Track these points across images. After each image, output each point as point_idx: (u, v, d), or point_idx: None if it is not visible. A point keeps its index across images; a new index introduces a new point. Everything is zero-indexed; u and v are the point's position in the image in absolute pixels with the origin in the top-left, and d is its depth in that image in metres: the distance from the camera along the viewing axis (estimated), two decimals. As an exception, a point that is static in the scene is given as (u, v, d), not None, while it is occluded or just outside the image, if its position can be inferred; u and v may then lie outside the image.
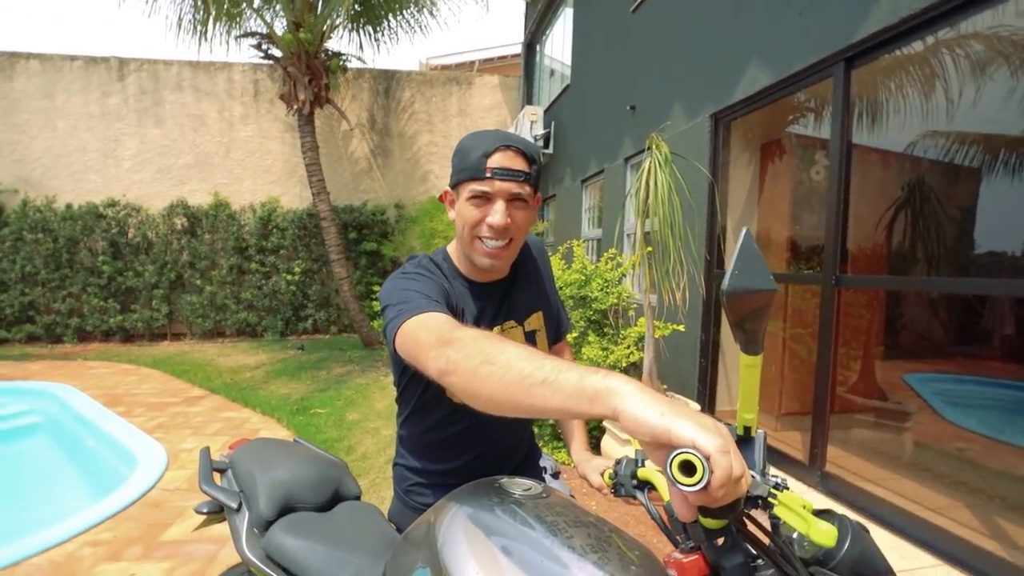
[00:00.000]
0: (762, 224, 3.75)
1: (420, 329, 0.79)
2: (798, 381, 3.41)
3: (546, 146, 7.65)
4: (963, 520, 2.22)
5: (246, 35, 6.82)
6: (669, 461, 0.46)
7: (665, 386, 3.45)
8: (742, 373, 0.58)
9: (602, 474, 1.06)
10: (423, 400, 1.02)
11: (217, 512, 1.28)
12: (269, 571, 1.05)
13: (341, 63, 7.15)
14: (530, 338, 1.11)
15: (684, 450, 0.45)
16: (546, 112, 7.89)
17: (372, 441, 3.87)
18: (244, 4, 6.53)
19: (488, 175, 0.91)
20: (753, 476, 0.57)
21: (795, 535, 0.72)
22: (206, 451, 1.34)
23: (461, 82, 9.29)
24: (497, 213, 0.92)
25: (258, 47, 6.79)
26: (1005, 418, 2.54)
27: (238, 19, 6.60)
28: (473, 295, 1.02)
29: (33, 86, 8.02)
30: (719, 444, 0.45)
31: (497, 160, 0.91)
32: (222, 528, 2.46)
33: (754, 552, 0.66)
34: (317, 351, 7.33)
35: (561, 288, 3.47)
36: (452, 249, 1.06)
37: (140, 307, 8.09)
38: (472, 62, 12.35)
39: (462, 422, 1.02)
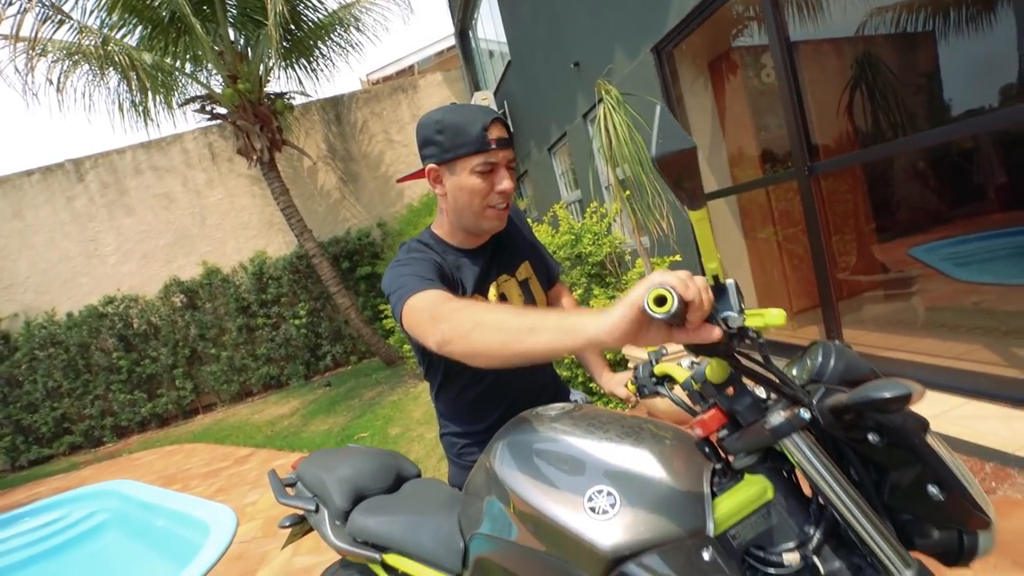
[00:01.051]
0: (730, 140, 3.81)
1: (415, 310, 0.89)
2: (802, 278, 3.50)
3: (505, 126, 7.69)
4: (984, 359, 2.32)
5: (187, 101, 6.87)
6: (645, 299, 0.55)
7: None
8: (695, 228, 0.67)
9: (626, 386, 1.17)
10: (447, 369, 1.13)
11: (298, 523, 1.40)
12: (360, 551, 1.16)
13: (286, 103, 7.19)
14: (524, 286, 1.20)
15: (658, 286, 0.55)
16: (496, 93, 7.92)
17: (420, 447, 4.00)
18: (176, 72, 6.56)
19: (494, 146, 1.00)
20: (730, 316, 0.66)
21: (794, 371, 0.82)
22: (274, 472, 1.46)
23: (406, 88, 9.30)
24: (505, 180, 1.04)
25: (202, 110, 6.84)
26: (1018, 263, 2.59)
27: (175, 88, 6.64)
28: (466, 261, 1.12)
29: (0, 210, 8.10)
30: (679, 277, 0.56)
31: (496, 132, 1.01)
32: (307, 559, 2.61)
33: (760, 395, 0.76)
34: (344, 383, 7.47)
35: (555, 252, 3.56)
36: (437, 226, 1.15)
37: (165, 390, 8.25)
38: (411, 66, 12.32)
39: (486, 380, 1.13)
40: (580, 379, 3.29)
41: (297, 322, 8.32)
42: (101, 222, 8.33)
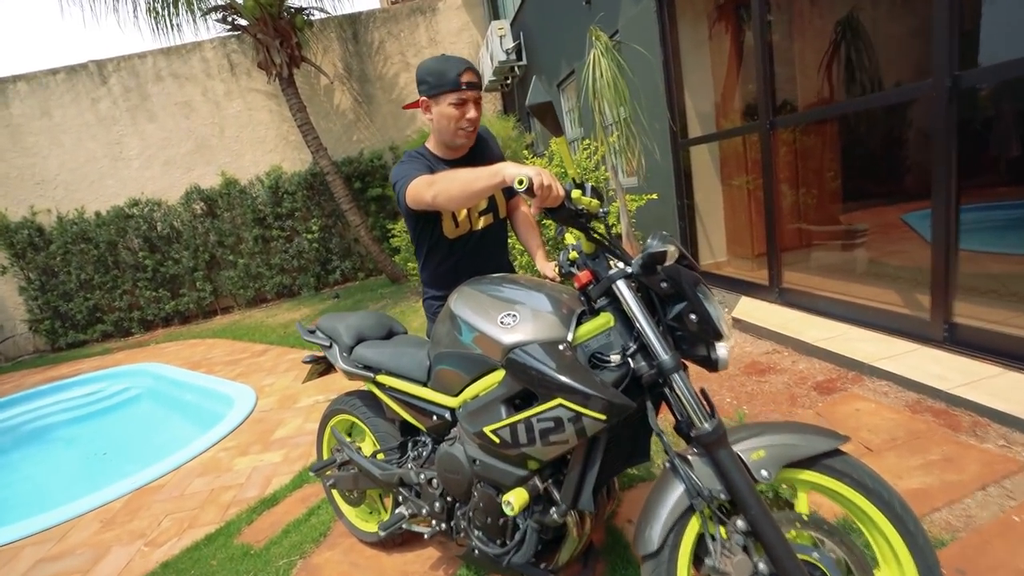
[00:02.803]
0: (723, 90, 4.06)
1: (416, 184, 1.39)
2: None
3: (519, 58, 7.75)
4: (873, 296, 2.75)
5: (210, 11, 6.97)
6: (514, 181, 1.00)
7: (651, 251, 3.97)
8: (557, 150, 1.11)
9: (554, 268, 1.64)
10: (430, 243, 1.61)
11: (316, 361, 1.93)
12: (360, 372, 1.68)
13: (305, 18, 7.26)
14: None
15: (518, 174, 1.00)
16: (512, 24, 7.89)
17: (416, 348, 4.57)
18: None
19: (464, 87, 1.49)
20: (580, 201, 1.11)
21: (650, 243, 1.27)
22: (300, 323, 1.98)
23: (425, 10, 9.21)
24: (471, 111, 1.54)
25: (223, 20, 6.96)
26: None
27: (199, -4, 6.74)
28: (446, 168, 1.57)
29: (28, 108, 8.41)
30: (535, 171, 1.03)
31: (466, 77, 1.50)
32: (316, 417, 3.20)
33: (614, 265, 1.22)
34: (351, 296, 8.06)
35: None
36: (430, 143, 1.64)
37: (187, 291, 8.91)
38: (431, -15, 11.96)
39: (456, 251, 1.63)
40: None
41: (310, 236, 8.80)
42: (125, 126, 8.64)
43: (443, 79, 1.49)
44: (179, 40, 7.27)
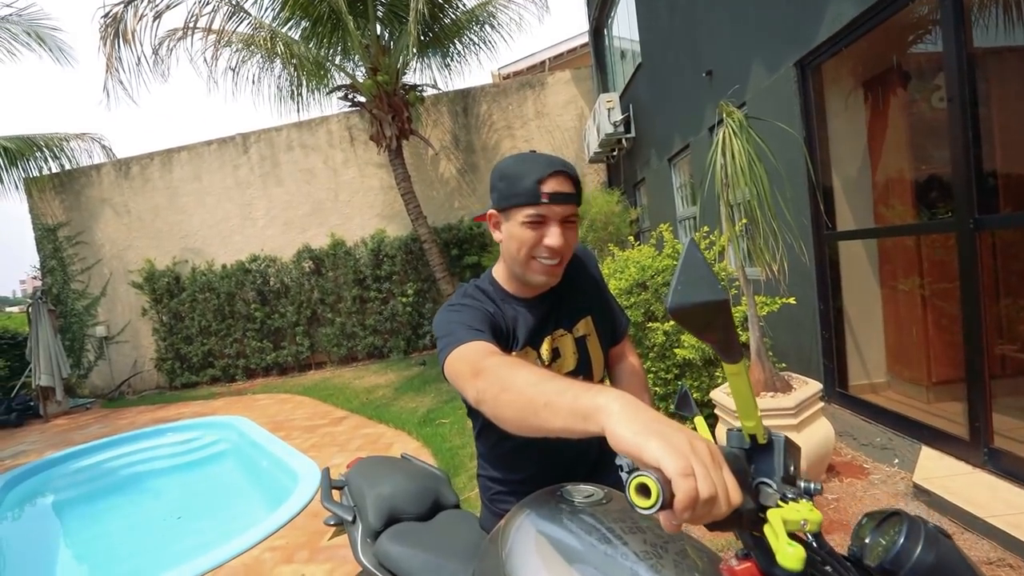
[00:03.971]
0: (879, 172, 3.30)
1: (458, 361, 0.88)
2: (950, 343, 2.94)
3: (627, 130, 7.43)
4: None
5: (334, 89, 7.56)
6: (627, 483, 0.47)
7: (784, 365, 3.18)
8: (731, 382, 0.56)
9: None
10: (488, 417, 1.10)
11: (340, 524, 1.48)
12: (379, 575, 1.19)
13: (418, 94, 7.61)
14: (581, 343, 1.13)
15: (640, 472, 0.46)
16: (622, 96, 7.66)
17: (490, 447, 4.05)
18: (328, 63, 7.24)
19: (545, 200, 0.97)
20: (769, 484, 0.55)
21: (867, 539, 0.66)
22: (326, 471, 1.55)
23: (534, 84, 9.37)
24: (554, 235, 0.99)
25: (345, 97, 7.50)
26: None
27: (325, 78, 7.34)
28: (522, 311, 1.08)
29: (185, 172, 9.64)
30: (681, 467, 0.46)
31: (551, 186, 0.97)
32: None
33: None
34: (437, 365, 7.83)
35: (652, 277, 3.37)
36: (497, 271, 1.13)
37: (288, 343, 9.31)
38: (543, 62, 12.37)
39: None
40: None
41: (404, 300, 8.87)
42: (256, 189, 9.56)
43: (516, 187, 0.98)
44: (307, 115, 7.95)
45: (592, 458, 1.18)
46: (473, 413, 1.15)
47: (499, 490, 1.19)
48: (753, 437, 0.57)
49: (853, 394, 3.18)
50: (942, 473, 2.32)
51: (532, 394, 0.66)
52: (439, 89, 8.25)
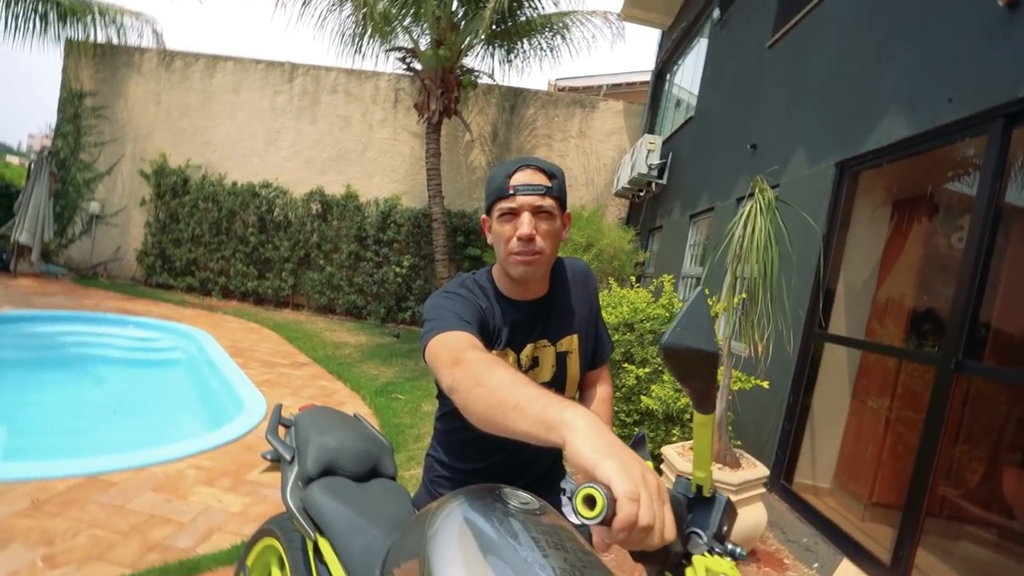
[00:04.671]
0: (882, 289, 3.37)
1: (441, 347, 0.89)
2: (899, 470, 3.00)
3: (660, 176, 7.51)
4: None
5: (394, 49, 7.58)
6: (576, 491, 0.49)
7: (739, 442, 3.23)
8: (695, 431, 0.59)
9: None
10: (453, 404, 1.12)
11: (277, 461, 1.48)
12: (302, 520, 1.20)
13: (473, 79, 7.64)
14: (560, 359, 1.15)
15: (590, 484, 0.48)
16: (665, 142, 7.74)
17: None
18: (396, 23, 7.26)
19: (511, 192, 1.01)
20: (700, 535, 0.57)
21: None
22: (279, 407, 1.56)
23: (585, 105, 9.44)
24: (524, 224, 1.00)
25: (403, 60, 7.51)
26: None
27: (389, 35, 7.36)
28: (511, 312, 1.10)
29: (226, 82, 9.59)
30: (629, 490, 0.48)
31: (519, 178, 1.01)
32: None
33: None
34: (410, 342, 7.82)
35: (642, 321, 3.41)
36: (495, 270, 1.15)
37: (272, 276, 9.25)
38: (600, 86, 12.47)
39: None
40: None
41: (398, 269, 8.85)
42: (289, 120, 9.52)
43: (492, 185, 1.04)
44: (360, 65, 7.95)
45: (541, 470, 1.20)
46: (443, 395, 1.17)
47: (443, 474, 1.21)
48: (699, 489, 0.60)
49: (795, 490, 3.23)
50: (856, 590, 2.36)
51: (505, 394, 0.68)
52: (494, 80, 8.29)
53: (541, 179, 1.02)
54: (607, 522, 0.48)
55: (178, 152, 9.56)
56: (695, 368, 0.53)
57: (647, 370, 3.23)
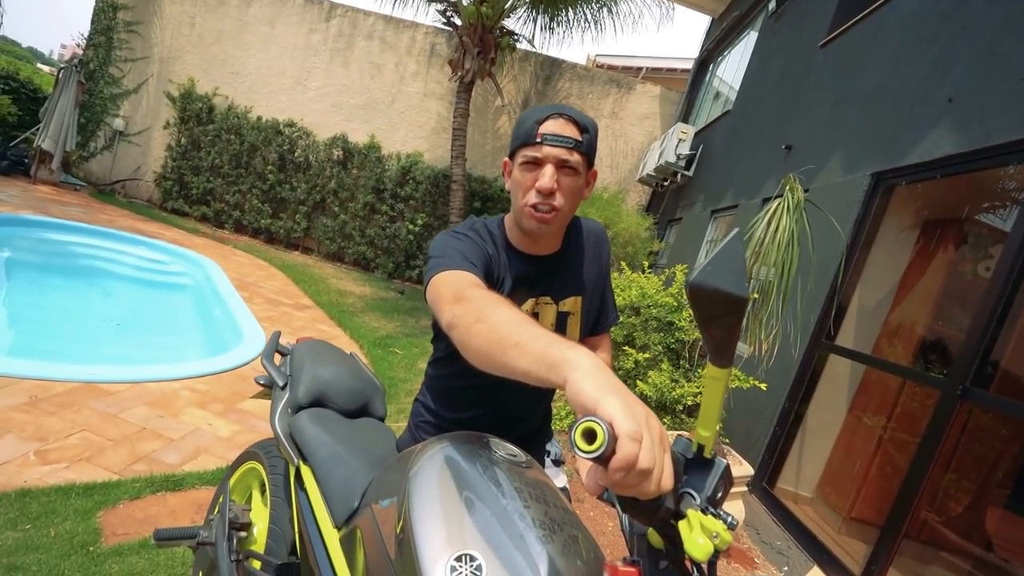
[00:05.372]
0: (898, 306, 3.30)
1: (444, 284, 0.86)
2: (883, 488, 3.00)
3: (687, 168, 7.35)
4: None
5: (436, 0, 7.37)
6: (576, 425, 0.47)
7: (727, 440, 3.23)
8: (706, 385, 0.56)
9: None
10: (450, 348, 1.09)
11: (270, 388, 1.49)
12: (288, 446, 1.21)
13: (512, 42, 7.44)
14: (561, 319, 1.12)
15: (591, 418, 0.46)
16: (698, 134, 7.55)
17: (430, 392, 4.10)
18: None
19: (538, 140, 0.94)
20: (693, 496, 0.55)
21: None
22: (277, 334, 1.56)
23: (622, 85, 9.20)
24: (545, 176, 0.94)
25: (443, 13, 7.31)
26: None
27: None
28: (517, 264, 1.06)
29: (262, 14, 9.39)
30: (632, 430, 0.45)
31: (548, 127, 0.95)
32: None
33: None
34: (414, 300, 7.85)
35: (649, 307, 3.37)
36: (507, 219, 1.11)
37: (286, 217, 9.25)
38: (639, 68, 12.13)
39: (477, 377, 1.07)
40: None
41: (411, 226, 8.81)
42: (321, 60, 9.36)
43: (520, 129, 0.97)
44: (399, 13, 7.74)
45: (528, 428, 1.19)
46: (437, 339, 1.15)
47: (428, 420, 1.20)
48: (700, 449, 0.58)
49: (776, 494, 3.24)
50: (821, 596, 2.38)
51: (506, 332, 0.65)
52: (533, 47, 8.08)
53: (572, 131, 0.96)
54: (605, 460, 0.45)
55: (206, 79, 9.45)
56: (719, 313, 0.49)
57: (647, 355, 3.21)
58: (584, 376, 0.51)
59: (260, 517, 1.41)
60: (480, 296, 0.77)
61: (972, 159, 2.58)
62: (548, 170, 0.95)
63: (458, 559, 0.68)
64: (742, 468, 2.61)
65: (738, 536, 2.93)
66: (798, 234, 2.41)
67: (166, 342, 4.73)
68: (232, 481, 1.59)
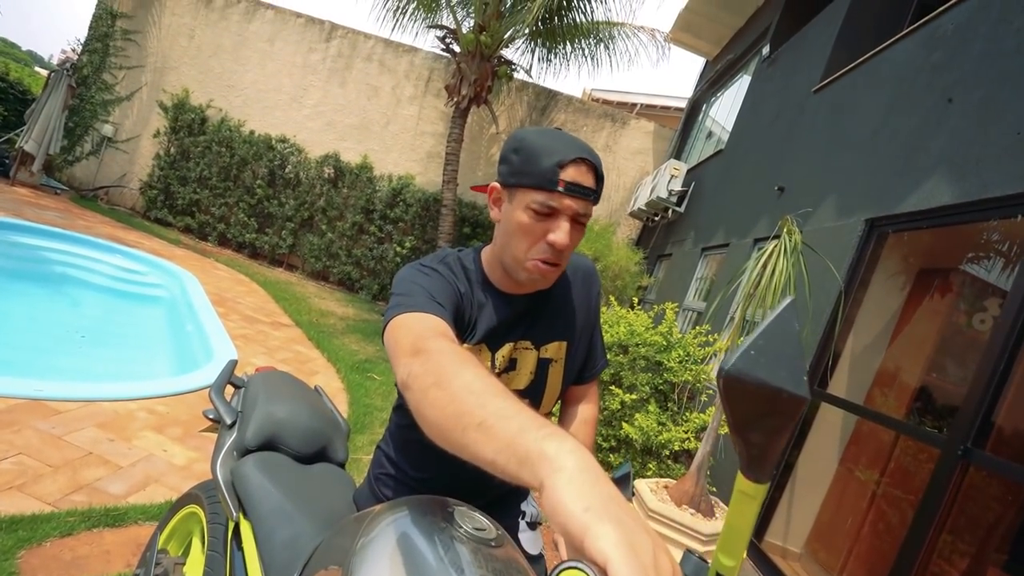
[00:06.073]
0: (891, 357, 3.23)
1: (402, 329, 0.73)
2: (877, 548, 2.86)
3: (678, 204, 7.38)
4: None
5: (435, 26, 7.45)
6: (556, 571, 0.34)
7: (715, 489, 3.08)
8: (735, 502, 0.44)
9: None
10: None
11: (218, 423, 1.33)
12: (227, 495, 1.05)
13: (509, 72, 7.51)
14: (542, 366, 0.99)
15: (575, 564, 0.33)
16: (690, 171, 7.62)
17: (406, 423, 3.91)
18: (443, 1, 7.14)
19: (560, 189, 0.82)
20: None
21: None
22: (231, 364, 1.41)
23: (616, 119, 9.32)
24: (562, 232, 0.84)
25: (442, 40, 7.38)
26: None
27: (434, 11, 7.23)
28: (494, 304, 0.94)
29: (262, 30, 9.44)
30: (626, 552, 0.33)
31: (571, 174, 0.82)
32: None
33: None
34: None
35: (637, 346, 3.26)
36: (486, 253, 0.98)
37: (272, 233, 9.09)
38: (634, 104, 12.37)
39: None
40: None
41: (399, 249, 8.70)
42: (318, 79, 9.37)
43: (532, 165, 0.82)
44: (399, 36, 7.81)
45: (503, 488, 1.05)
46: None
47: (389, 473, 1.05)
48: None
49: (764, 549, 3.08)
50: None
51: (469, 405, 0.53)
52: (530, 77, 8.17)
53: (591, 181, 0.84)
54: None
55: (201, 91, 9.40)
56: (763, 414, 0.37)
57: (634, 396, 3.08)
58: (567, 484, 0.39)
59: (196, 571, 1.23)
60: (443, 351, 0.64)
61: (967, 210, 2.55)
62: (566, 225, 0.84)
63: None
64: (731, 522, 2.46)
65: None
66: (795, 277, 2.33)
67: (131, 356, 4.49)
68: (170, 527, 1.42)
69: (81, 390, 2.90)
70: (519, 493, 1.11)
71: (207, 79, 9.44)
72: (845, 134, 3.83)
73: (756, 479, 0.41)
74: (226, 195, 9.10)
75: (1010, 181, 2.31)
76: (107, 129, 9.32)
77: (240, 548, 0.99)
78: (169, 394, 3.20)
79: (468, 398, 0.53)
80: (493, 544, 0.75)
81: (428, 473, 0.98)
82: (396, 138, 9.33)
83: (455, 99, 7.09)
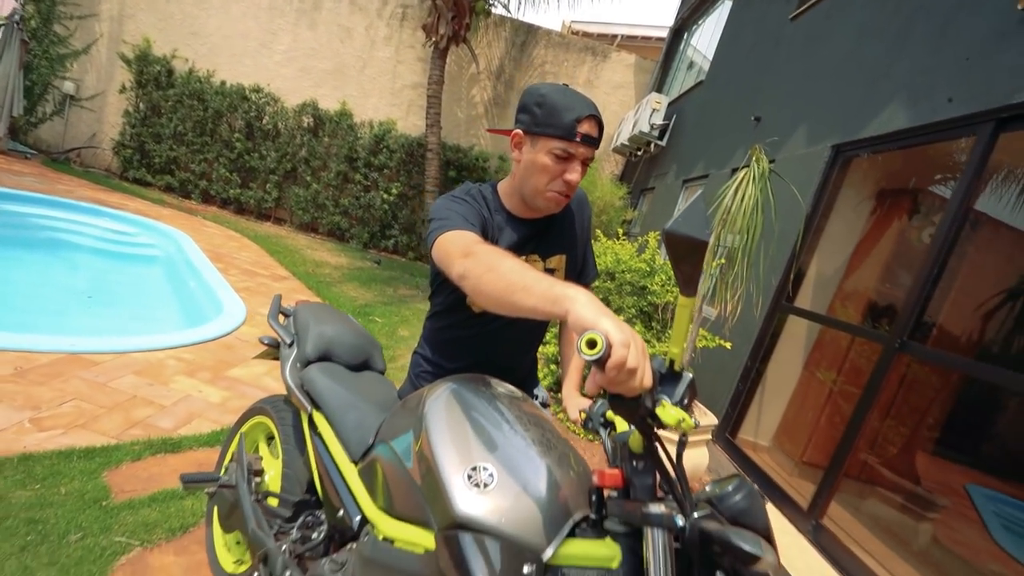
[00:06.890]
0: (851, 271, 3.56)
1: (450, 242, 0.98)
2: (830, 436, 3.31)
3: (660, 138, 7.48)
4: None
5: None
6: (580, 337, 0.61)
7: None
8: (677, 312, 0.70)
9: (580, 411, 1.23)
10: (448, 302, 1.22)
11: (275, 347, 1.58)
12: (300, 396, 1.32)
13: (487, 6, 7.31)
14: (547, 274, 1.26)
15: (592, 331, 0.60)
16: (671, 104, 7.66)
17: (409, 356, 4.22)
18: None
19: (577, 139, 1.06)
20: (665, 399, 0.70)
21: (708, 487, 0.84)
22: (278, 296, 1.64)
23: (597, 53, 9.17)
24: (575, 172, 1.09)
25: (416, -26, 7.10)
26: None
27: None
28: (510, 226, 1.19)
29: (221, -32, 8.90)
30: (623, 339, 0.61)
31: (586, 128, 1.07)
32: (274, 383, 2.85)
33: (661, 481, 0.80)
34: (390, 269, 7.87)
35: (623, 272, 3.54)
36: (503, 186, 1.23)
37: (256, 187, 9.03)
38: (615, 36, 12.06)
39: (474, 328, 1.21)
40: (548, 381, 3.37)
41: (385, 196, 8.74)
42: (287, 23, 8.99)
43: (555, 118, 1.06)
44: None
45: (519, 375, 1.33)
46: (436, 295, 1.27)
47: (428, 370, 1.33)
48: (671, 364, 0.72)
49: (737, 444, 3.53)
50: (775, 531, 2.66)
51: (514, 278, 0.79)
52: (508, 12, 7.95)
53: (597, 132, 1.10)
54: (602, 362, 0.60)
55: (163, 40, 8.98)
56: (687, 253, 0.63)
57: (622, 318, 3.40)
58: (582, 306, 0.66)
59: (270, 465, 1.53)
60: (486, 250, 0.91)
61: (920, 133, 2.79)
62: (578, 166, 1.09)
63: (473, 469, 0.82)
64: (707, 418, 2.84)
65: (701, 479, 3.20)
66: (762, 203, 2.58)
67: (142, 314, 4.68)
68: (235, 439, 1.70)
69: (111, 343, 3.13)
70: (532, 380, 1.40)
71: (168, 26, 9.00)
72: (818, 62, 3.97)
73: (687, 294, 0.68)
74: (204, 151, 8.94)
75: (956, 105, 2.53)
76: (68, 86, 8.94)
77: (317, 434, 1.27)
78: (191, 343, 3.44)
79: (512, 274, 0.80)
80: (520, 399, 1.03)
81: (461, 363, 1.25)
82: (374, 82, 9.11)
83: (433, 39, 6.94)
